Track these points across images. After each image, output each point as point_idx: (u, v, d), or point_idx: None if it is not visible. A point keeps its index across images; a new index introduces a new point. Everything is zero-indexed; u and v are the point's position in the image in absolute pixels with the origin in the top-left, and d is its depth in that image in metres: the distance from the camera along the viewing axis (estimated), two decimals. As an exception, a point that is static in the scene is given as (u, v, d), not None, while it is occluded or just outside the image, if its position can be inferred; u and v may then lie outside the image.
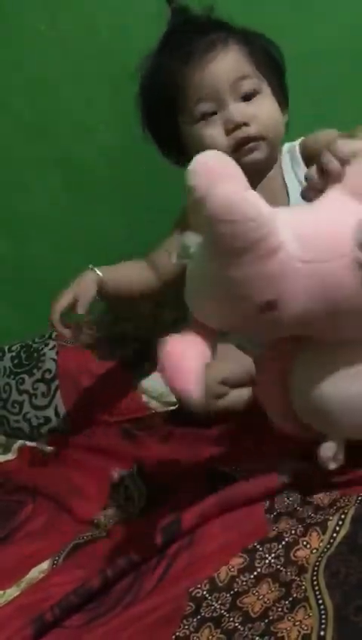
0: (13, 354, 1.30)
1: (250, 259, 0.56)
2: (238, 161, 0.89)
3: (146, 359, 1.20)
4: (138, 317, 1.26)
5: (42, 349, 1.27)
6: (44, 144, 1.32)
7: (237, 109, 0.87)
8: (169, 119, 0.93)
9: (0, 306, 1.45)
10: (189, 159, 0.93)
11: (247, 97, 0.87)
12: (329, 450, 0.71)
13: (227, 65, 0.87)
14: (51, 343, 1.27)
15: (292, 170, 0.93)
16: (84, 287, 0.98)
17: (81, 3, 1.21)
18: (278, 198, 0.92)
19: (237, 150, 0.88)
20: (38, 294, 1.43)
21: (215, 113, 0.88)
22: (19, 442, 1.22)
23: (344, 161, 0.64)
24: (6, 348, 1.33)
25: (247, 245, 0.55)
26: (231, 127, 0.87)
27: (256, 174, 0.91)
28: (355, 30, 1.12)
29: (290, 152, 0.94)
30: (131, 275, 1.05)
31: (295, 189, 0.91)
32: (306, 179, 0.68)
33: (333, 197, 0.64)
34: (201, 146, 0.89)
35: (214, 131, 0.89)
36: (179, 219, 1.02)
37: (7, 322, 1.43)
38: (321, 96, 1.14)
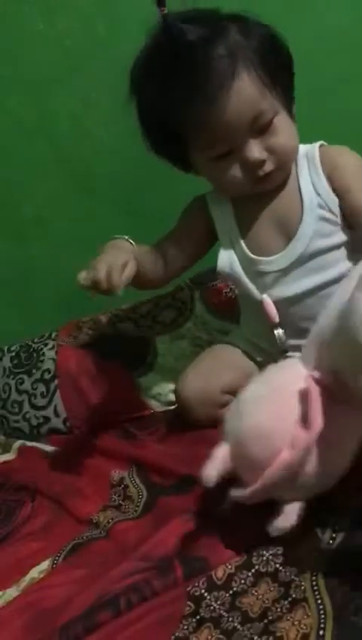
0: (13, 354, 1.30)
1: None
2: (255, 188, 0.89)
3: (145, 359, 1.20)
4: (137, 316, 1.26)
5: (42, 349, 1.27)
6: (43, 144, 1.32)
7: (254, 150, 0.83)
8: (178, 149, 0.89)
9: (0, 306, 1.45)
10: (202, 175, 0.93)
11: (263, 129, 0.83)
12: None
13: (242, 104, 0.80)
14: (51, 343, 1.27)
15: (309, 175, 0.90)
16: (125, 259, 0.83)
17: (80, 3, 1.21)
18: (292, 203, 0.90)
19: (254, 182, 0.87)
20: (38, 295, 1.44)
21: (230, 151, 0.84)
22: (19, 442, 1.22)
23: None
24: (5, 348, 1.33)
25: None
26: (250, 167, 0.85)
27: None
28: (355, 30, 1.12)
29: (308, 157, 0.91)
30: (151, 261, 0.97)
31: (310, 195, 0.89)
32: None
33: None
34: (218, 181, 0.90)
35: (231, 169, 0.86)
36: (188, 208, 1.01)
37: (6, 322, 1.43)
38: (321, 97, 1.15)
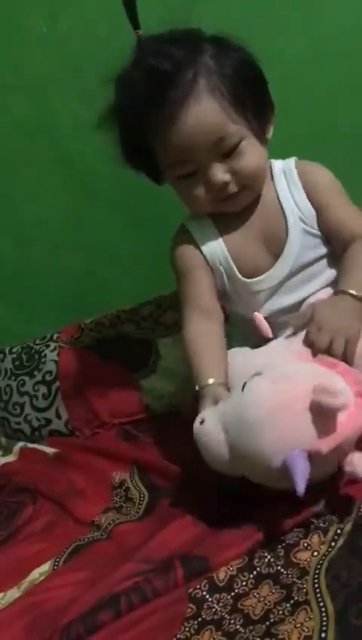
0: (14, 356, 1.30)
1: None
2: (221, 207, 0.89)
3: (147, 361, 1.20)
4: (139, 318, 1.26)
5: (43, 350, 1.27)
6: (44, 144, 1.32)
7: (217, 172, 0.83)
8: (148, 162, 0.89)
9: (1, 307, 1.45)
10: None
11: (228, 152, 0.83)
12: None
13: (201, 128, 0.80)
14: (52, 345, 1.27)
15: (289, 191, 0.90)
16: None
17: (82, 4, 1.21)
18: (276, 219, 0.90)
19: (219, 202, 0.87)
20: (39, 295, 1.44)
21: (196, 171, 0.84)
22: (20, 444, 1.22)
23: None
24: (7, 350, 1.33)
25: None
26: (213, 188, 0.85)
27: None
28: (356, 31, 1.12)
29: (286, 173, 0.91)
30: (220, 347, 0.90)
31: (291, 209, 0.89)
32: None
33: None
34: (185, 198, 0.90)
35: (195, 189, 0.86)
36: (176, 236, 0.96)
37: (8, 323, 1.43)
38: (322, 97, 1.14)
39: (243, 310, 0.93)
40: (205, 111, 0.80)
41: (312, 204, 0.89)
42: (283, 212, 0.89)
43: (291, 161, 0.92)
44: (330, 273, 0.91)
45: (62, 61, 1.26)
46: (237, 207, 0.89)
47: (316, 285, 0.90)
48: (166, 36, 0.83)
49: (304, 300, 0.89)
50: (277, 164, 0.92)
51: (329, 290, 0.87)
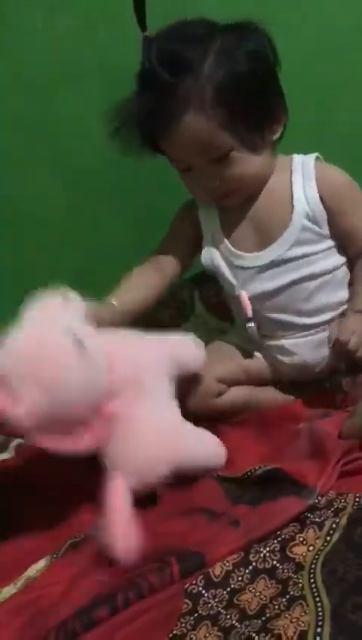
0: (12, 353, 1.30)
1: None
2: (217, 203, 0.97)
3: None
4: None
5: (40, 348, 1.27)
6: (43, 144, 1.32)
7: (203, 177, 0.90)
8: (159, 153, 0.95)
9: (-1, 306, 1.45)
10: None
11: (218, 159, 0.88)
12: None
13: (188, 139, 0.86)
14: (49, 343, 1.27)
15: (302, 186, 0.93)
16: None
17: (79, 3, 1.21)
18: (282, 211, 0.93)
19: (215, 199, 0.94)
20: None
21: (191, 168, 0.91)
22: (17, 441, 1.22)
23: None
24: (4, 348, 1.33)
25: None
26: (204, 188, 0.92)
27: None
28: (355, 30, 1.12)
29: (303, 169, 0.93)
30: (145, 290, 1.00)
31: (301, 204, 0.92)
32: None
33: None
34: (187, 188, 0.97)
35: (192, 184, 0.94)
36: (179, 210, 1.04)
37: (6, 322, 1.43)
38: (322, 97, 1.15)
39: (230, 287, 0.99)
40: (192, 124, 0.85)
41: (324, 205, 0.91)
42: (293, 204, 0.92)
43: (311, 158, 0.94)
44: (320, 266, 0.94)
45: (60, 60, 1.26)
46: (229, 204, 0.95)
47: (302, 273, 0.94)
48: (174, 37, 0.86)
49: (286, 285, 0.94)
50: (298, 158, 0.95)
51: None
